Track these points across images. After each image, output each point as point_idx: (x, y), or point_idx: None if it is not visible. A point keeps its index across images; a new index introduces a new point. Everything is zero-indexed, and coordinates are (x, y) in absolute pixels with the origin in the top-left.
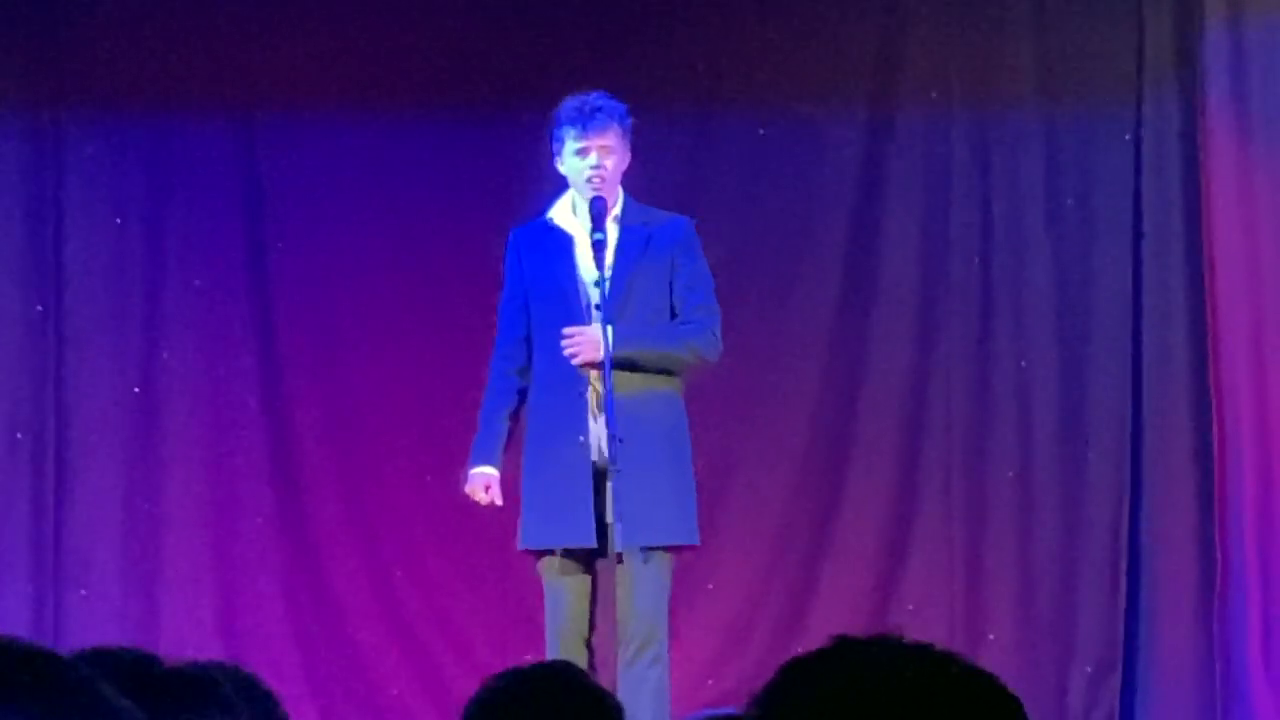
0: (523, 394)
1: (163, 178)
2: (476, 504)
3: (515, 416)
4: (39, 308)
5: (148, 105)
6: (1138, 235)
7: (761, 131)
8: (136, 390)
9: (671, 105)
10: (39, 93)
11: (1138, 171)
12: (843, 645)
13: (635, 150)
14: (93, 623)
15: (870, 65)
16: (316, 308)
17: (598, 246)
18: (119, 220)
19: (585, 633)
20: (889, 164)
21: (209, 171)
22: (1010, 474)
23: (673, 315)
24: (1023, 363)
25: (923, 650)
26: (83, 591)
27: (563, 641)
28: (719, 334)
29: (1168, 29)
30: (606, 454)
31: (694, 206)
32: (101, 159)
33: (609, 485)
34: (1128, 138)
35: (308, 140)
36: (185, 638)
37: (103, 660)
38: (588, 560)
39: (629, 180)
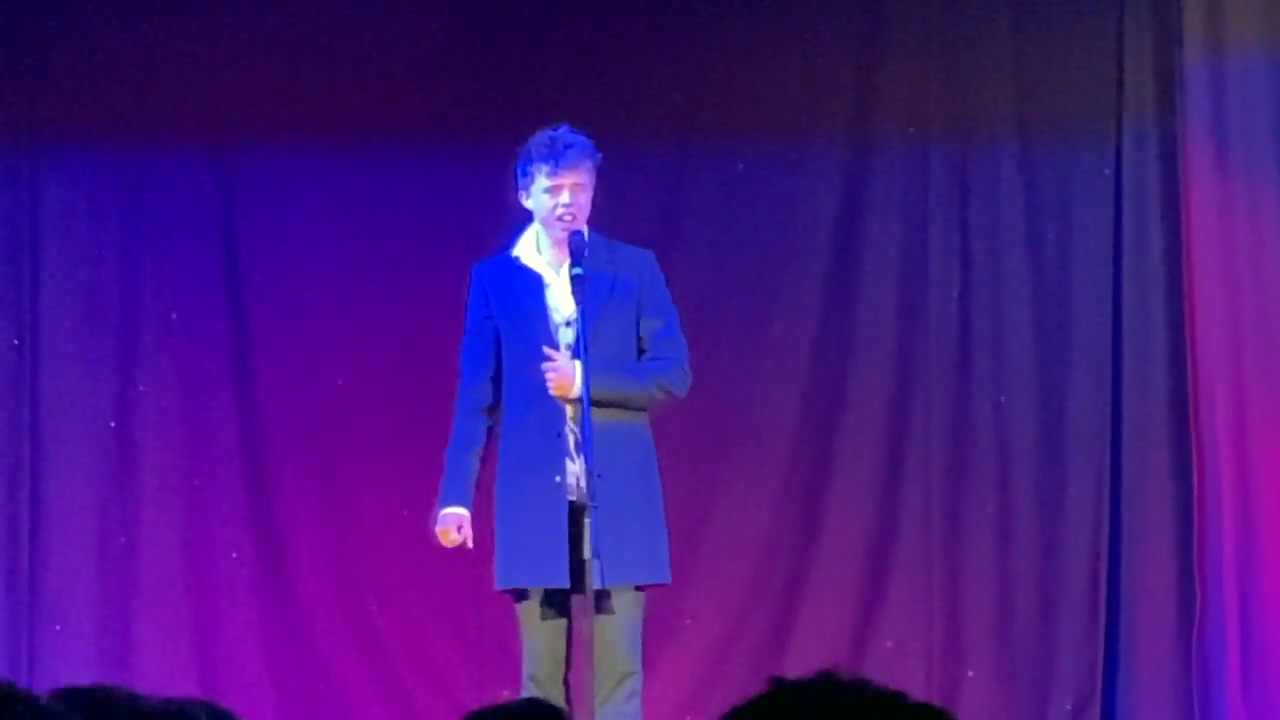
0: (490, 433)
1: (139, 211)
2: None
3: (483, 456)
4: (15, 341)
5: (123, 139)
6: (1118, 270)
7: (740, 166)
8: (112, 424)
9: (650, 139)
10: (13, 125)
11: (1118, 206)
12: (780, 690)
13: (615, 183)
14: (67, 659)
15: (848, 100)
16: (293, 341)
17: (576, 281)
18: (95, 254)
19: (562, 671)
20: (867, 198)
21: (185, 205)
22: (989, 509)
23: (640, 349)
24: (1002, 398)
25: (862, 687)
26: (57, 627)
27: (539, 683)
28: (689, 368)
29: (1147, 63)
30: (583, 491)
31: (673, 240)
32: (77, 192)
33: (586, 522)
34: (1107, 172)
35: (283, 174)
36: (161, 674)
37: (79, 698)
38: (565, 598)
39: (606, 211)
